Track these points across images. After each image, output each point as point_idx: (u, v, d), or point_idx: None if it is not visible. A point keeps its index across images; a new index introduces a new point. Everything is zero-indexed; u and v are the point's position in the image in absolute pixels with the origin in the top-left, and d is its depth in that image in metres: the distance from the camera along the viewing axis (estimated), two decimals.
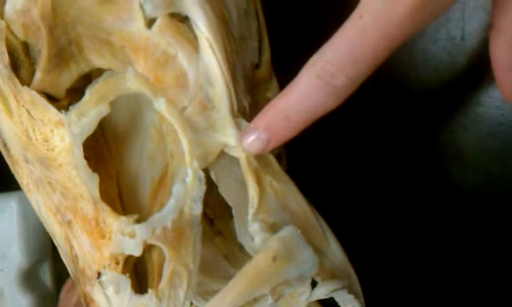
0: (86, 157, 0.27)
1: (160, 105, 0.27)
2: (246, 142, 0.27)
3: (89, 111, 0.27)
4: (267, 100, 0.31)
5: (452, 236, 0.36)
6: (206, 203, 0.29)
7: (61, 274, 0.46)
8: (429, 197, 0.36)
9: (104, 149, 0.30)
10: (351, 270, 0.30)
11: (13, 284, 0.44)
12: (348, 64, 0.25)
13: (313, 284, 0.28)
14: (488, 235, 0.36)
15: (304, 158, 0.36)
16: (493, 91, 0.34)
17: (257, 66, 0.32)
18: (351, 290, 0.29)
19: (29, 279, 0.44)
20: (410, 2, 0.23)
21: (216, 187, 0.29)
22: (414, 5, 0.23)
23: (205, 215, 0.32)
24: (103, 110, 0.27)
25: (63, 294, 0.44)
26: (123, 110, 0.30)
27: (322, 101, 0.26)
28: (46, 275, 0.45)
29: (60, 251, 0.29)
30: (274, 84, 0.33)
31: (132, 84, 0.27)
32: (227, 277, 0.29)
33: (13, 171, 0.30)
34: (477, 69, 0.34)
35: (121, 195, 0.30)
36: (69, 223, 0.28)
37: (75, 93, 0.28)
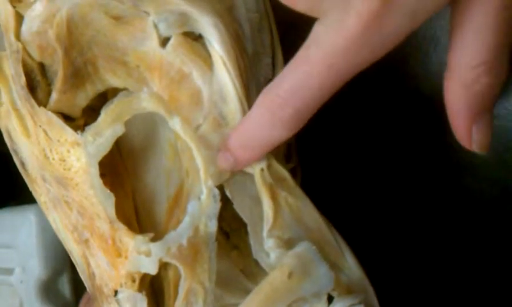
0: (102, 174, 0.27)
1: (175, 124, 0.27)
2: (219, 159, 0.28)
3: (105, 131, 0.27)
4: None
5: (468, 250, 0.36)
6: (221, 216, 0.29)
7: (79, 286, 0.46)
8: (446, 210, 0.36)
9: (120, 166, 0.31)
10: (367, 285, 0.30)
11: (32, 296, 0.44)
12: (294, 96, 0.25)
13: (330, 299, 0.28)
14: (505, 248, 0.35)
15: (318, 171, 0.36)
16: (508, 104, 0.34)
17: (271, 81, 0.32)
18: (367, 305, 0.29)
19: (48, 290, 0.45)
20: (350, 34, 0.22)
21: (231, 201, 0.29)
22: (354, 37, 0.22)
23: (220, 228, 0.32)
24: (118, 130, 0.27)
25: (81, 305, 0.44)
26: (139, 127, 0.30)
27: (274, 132, 0.26)
28: (65, 286, 0.46)
29: (78, 268, 0.30)
30: None
31: (147, 103, 0.28)
32: (244, 291, 0.29)
33: (30, 188, 0.31)
34: None
35: (137, 211, 0.30)
36: (86, 241, 0.28)
37: (91, 111, 0.29)
